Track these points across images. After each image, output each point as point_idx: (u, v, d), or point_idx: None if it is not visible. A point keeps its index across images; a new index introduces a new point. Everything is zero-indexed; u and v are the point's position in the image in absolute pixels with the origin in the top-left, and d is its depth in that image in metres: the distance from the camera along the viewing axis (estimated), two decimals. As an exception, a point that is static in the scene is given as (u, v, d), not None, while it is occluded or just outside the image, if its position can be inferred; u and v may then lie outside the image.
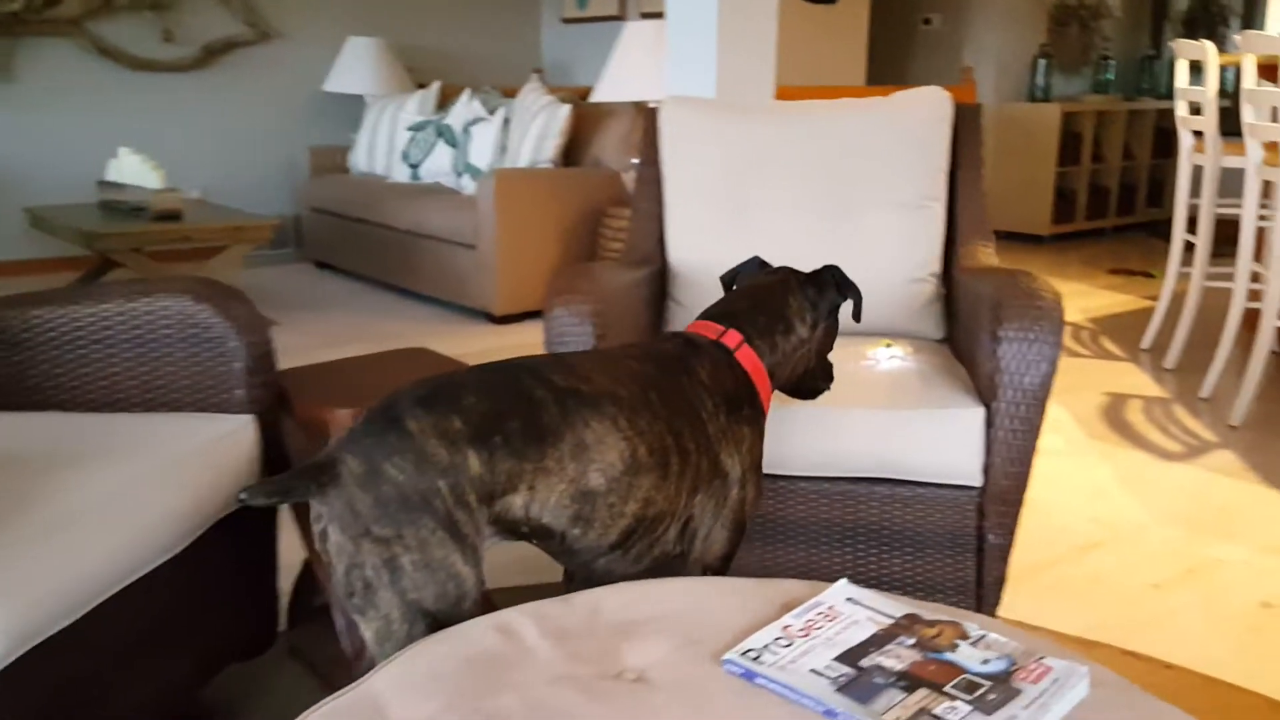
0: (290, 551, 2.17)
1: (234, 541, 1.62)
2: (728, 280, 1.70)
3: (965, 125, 2.29)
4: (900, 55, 7.39)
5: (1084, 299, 5.19)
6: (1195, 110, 3.99)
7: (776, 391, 1.60)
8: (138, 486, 1.40)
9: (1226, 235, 4.18)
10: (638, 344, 1.48)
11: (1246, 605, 2.13)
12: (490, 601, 1.24)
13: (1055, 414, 3.37)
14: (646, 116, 2.33)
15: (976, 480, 1.77)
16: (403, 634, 1.16)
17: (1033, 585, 2.23)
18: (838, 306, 1.63)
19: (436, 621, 1.16)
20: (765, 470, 1.77)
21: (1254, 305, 3.55)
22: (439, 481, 1.15)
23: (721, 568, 1.49)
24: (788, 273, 1.62)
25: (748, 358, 1.49)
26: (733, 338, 1.49)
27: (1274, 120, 3.12)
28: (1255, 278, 3.70)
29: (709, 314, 1.55)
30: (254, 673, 1.80)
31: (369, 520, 1.13)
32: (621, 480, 1.29)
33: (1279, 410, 3.41)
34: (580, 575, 1.42)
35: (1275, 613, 2.10)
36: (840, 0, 6.08)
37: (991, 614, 1.84)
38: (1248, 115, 3.38)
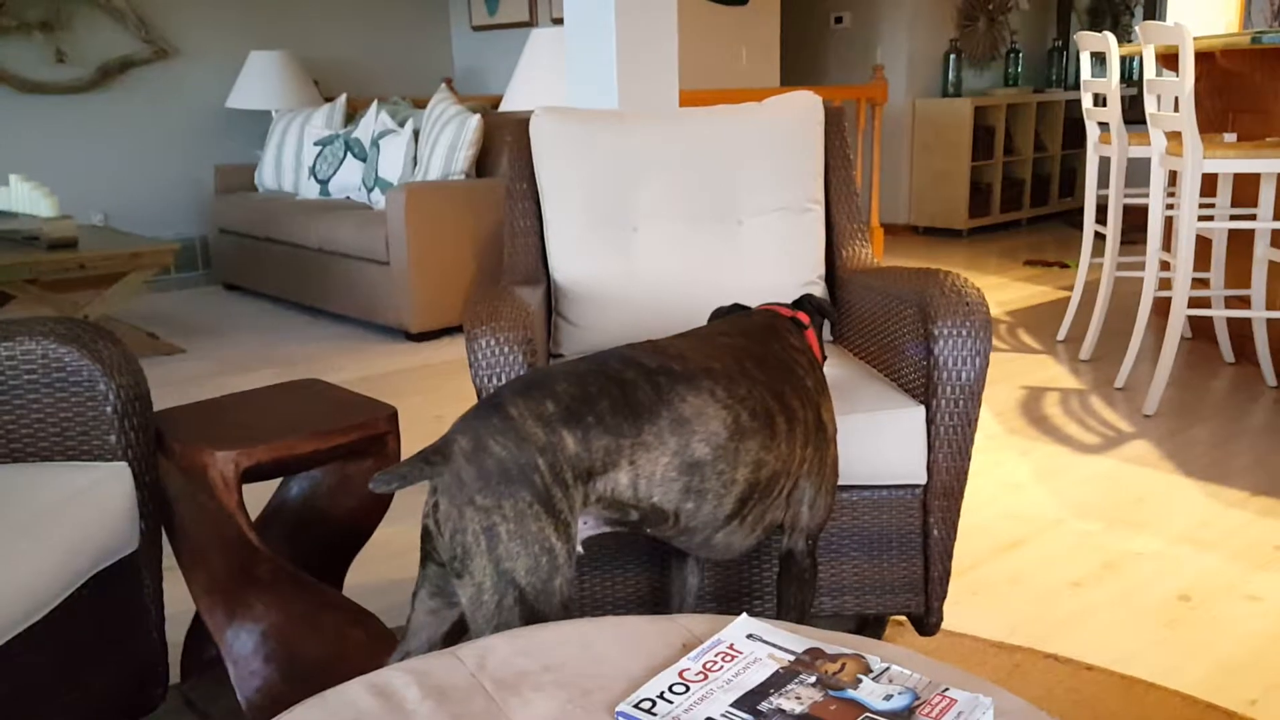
0: (180, 602, 2.07)
1: (113, 595, 1.52)
2: (715, 316, 1.78)
3: (833, 127, 2.28)
4: (813, 54, 7.43)
5: (1001, 292, 5.24)
6: (1100, 101, 4.04)
7: None
8: (3, 541, 1.30)
9: (1140, 224, 4.24)
10: (724, 321, 1.60)
11: (1164, 599, 2.14)
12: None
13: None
14: (515, 129, 2.25)
15: (920, 478, 1.78)
16: (493, 604, 1.25)
17: (954, 588, 2.21)
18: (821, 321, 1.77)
19: (525, 597, 1.25)
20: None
21: (1164, 294, 3.60)
22: (538, 458, 1.26)
23: (818, 535, 1.59)
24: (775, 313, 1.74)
25: (811, 336, 1.64)
26: (803, 316, 1.65)
27: (1175, 110, 3.16)
28: (1164, 266, 3.76)
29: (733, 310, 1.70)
30: (147, 731, 1.70)
31: (473, 490, 1.24)
32: (728, 447, 1.37)
33: (1191, 397, 3.46)
34: (700, 555, 1.52)
35: (1192, 605, 2.11)
36: (751, 1, 6.08)
37: (939, 608, 1.85)
38: (1150, 105, 3.43)
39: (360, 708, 0.97)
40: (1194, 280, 3.89)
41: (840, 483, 1.78)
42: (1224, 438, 3.07)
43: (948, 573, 1.84)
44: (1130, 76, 7.44)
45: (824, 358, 1.69)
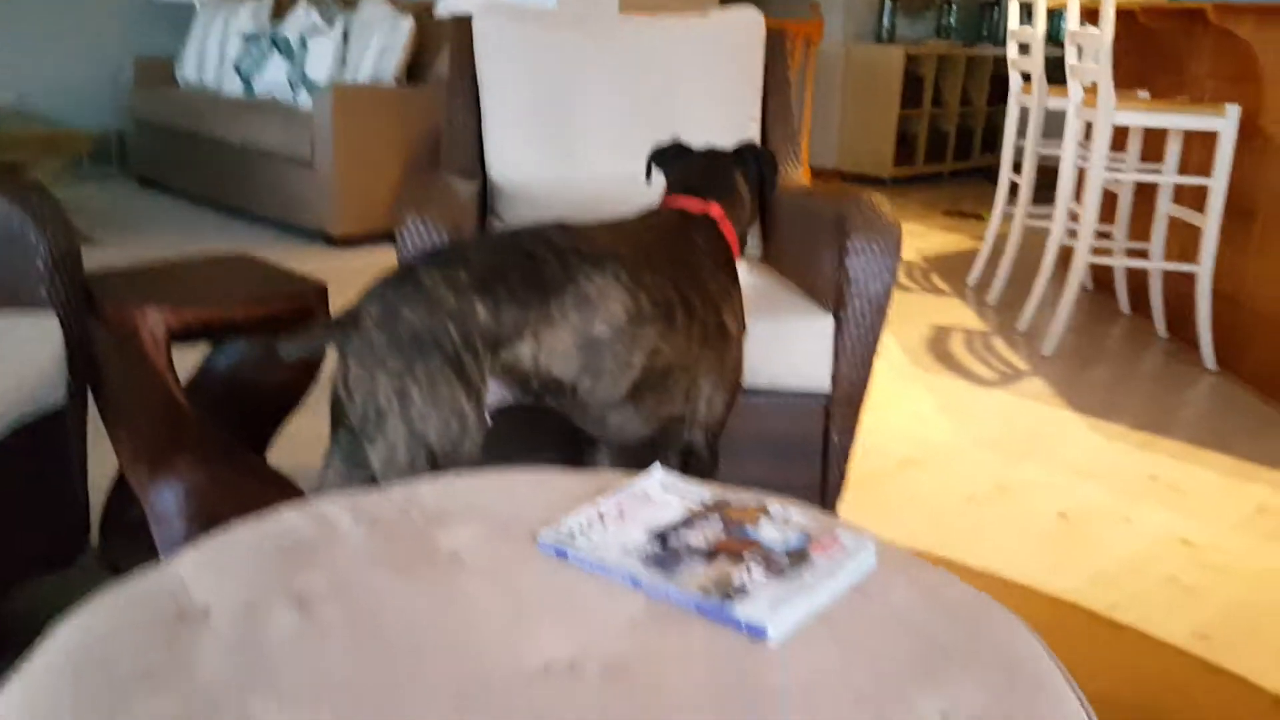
0: (100, 468, 2.08)
1: (37, 448, 1.54)
2: (655, 157, 1.82)
3: (774, 50, 2.34)
4: (752, -8, 7.43)
5: (919, 240, 5.39)
6: (1024, 51, 4.16)
7: None
8: (-78, 381, 1.31)
9: (1052, 181, 4.40)
10: (635, 217, 1.62)
11: (1047, 517, 2.29)
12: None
13: (883, 343, 3.51)
14: (457, 27, 2.27)
15: (825, 386, 1.86)
16: (405, 463, 1.29)
17: (855, 501, 2.33)
18: (761, 178, 1.80)
19: (436, 459, 1.29)
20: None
21: (1071, 244, 3.77)
22: (448, 324, 1.29)
23: (718, 431, 1.63)
24: (721, 151, 1.78)
25: (727, 228, 1.66)
26: (715, 209, 1.66)
27: (1095, 61, 3.28)
28: (1073, 218, 3.92)
29: (678, 188, 1.70)
30: (63, 585, 1.73)
31: (384, 354, 1.27)
32: (627, 330, 1.41)
33: (1088, 342, 3.65)
34: (596, 434, 1.55)
35: (1070, 522, 2.27)
36: (694, -68, 6.06)
37: (834, 511, 1.95)
38: (1070, 56, 3.55)
39: (297, 529, 1.02)
40: (1099, 233, 4.06)
41: (750, 387, 1.87)
42: (1114, 380, 3.25)
43: (844, 477, 1.95)
44: (1057, 37, 7.61)
45: (741, 250, 1.73)
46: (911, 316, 3.88)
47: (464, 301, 1.31)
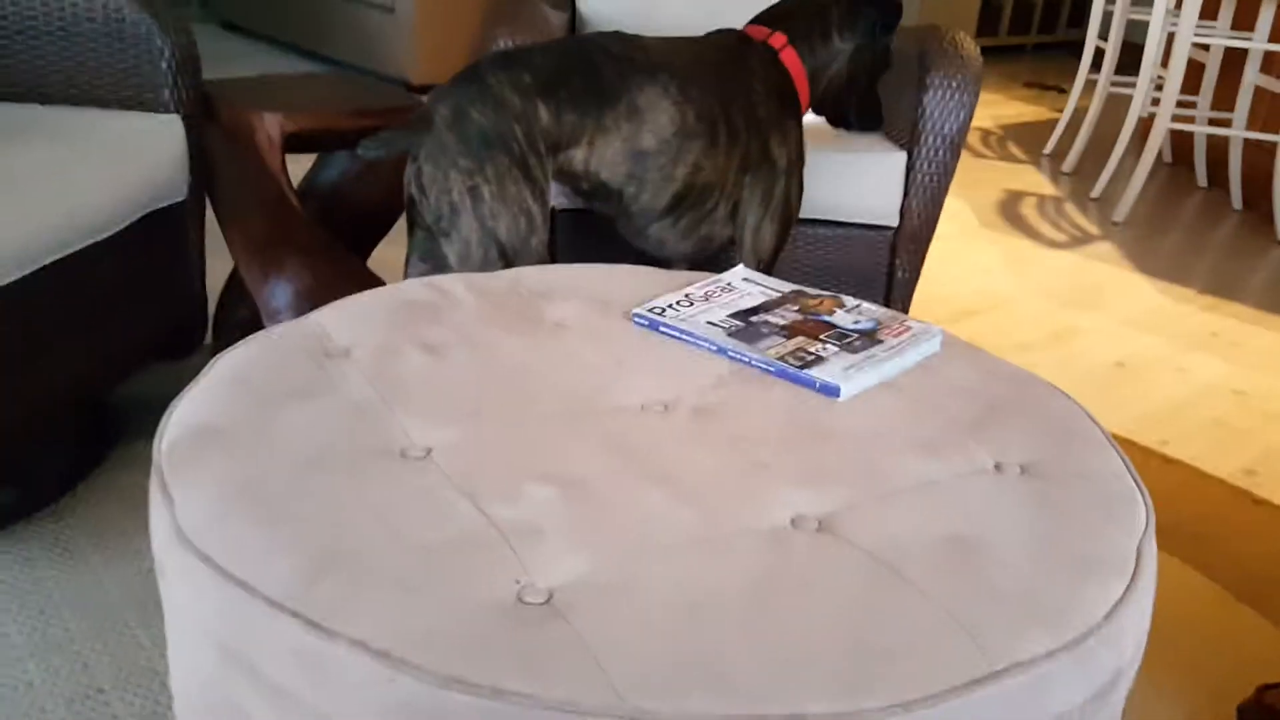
0: (214, 271, 2.23)
1: (162, 238, 1.67)
2: None
3: None
4: None
5: (996, 108, 5.31)
6: (1120, -87, 4.02)
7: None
8: (72, 163, 1.44)
9: (1137, 57, 4.29)
10: (694, 37, 1.62)
11: (1103, 364, 2.36)
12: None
13: (952, 205, 3.53)
14: None
15: (893, 220, 1.93)
16: (479, 257, 1.38)
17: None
18: (878, 27, 1.73)
19: (505, 253, 1.38)
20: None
21: (1153, 112, 3.71)
22: (514, 125, 1.36)
23: (771, 260, 1.67)
24: None
25: (791, 58, 1.64)
26: (778, 39, 1.64)
27: (1191, -78, 3.18)
28: (1158, 87, 3.85)
29: (758, 18, 1.69)
30: (177, 374, 1.89)
31: (456, 154, 1.34)
32: (671, 142, 1.46)
33: (1161, 211, 3.63)
34: (637, 245, 1.61)
35: (1126, 370, 2.33)
36: None
37: None
38: (1167, -83, 3.44)
39: (418, 295, 1.14)
40: (1182, 103, 3.99)
41: (815, 216, 1.93)
42: (1185, 246, 3.25)
43: (906, 313, 2.03)
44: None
45: (811, 89, 1.69)
46: (983, 181, 3.88)
47: (528, 104, 1.38)
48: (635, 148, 1.45)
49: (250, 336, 1.03)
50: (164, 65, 1.64)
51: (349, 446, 0.83)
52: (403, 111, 1.79)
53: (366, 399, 0.91)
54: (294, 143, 1.74)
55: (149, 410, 1.82)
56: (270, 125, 1.66)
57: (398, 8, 4.34)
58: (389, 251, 2.64)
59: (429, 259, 1.49)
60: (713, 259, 1.77)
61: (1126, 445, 1.98)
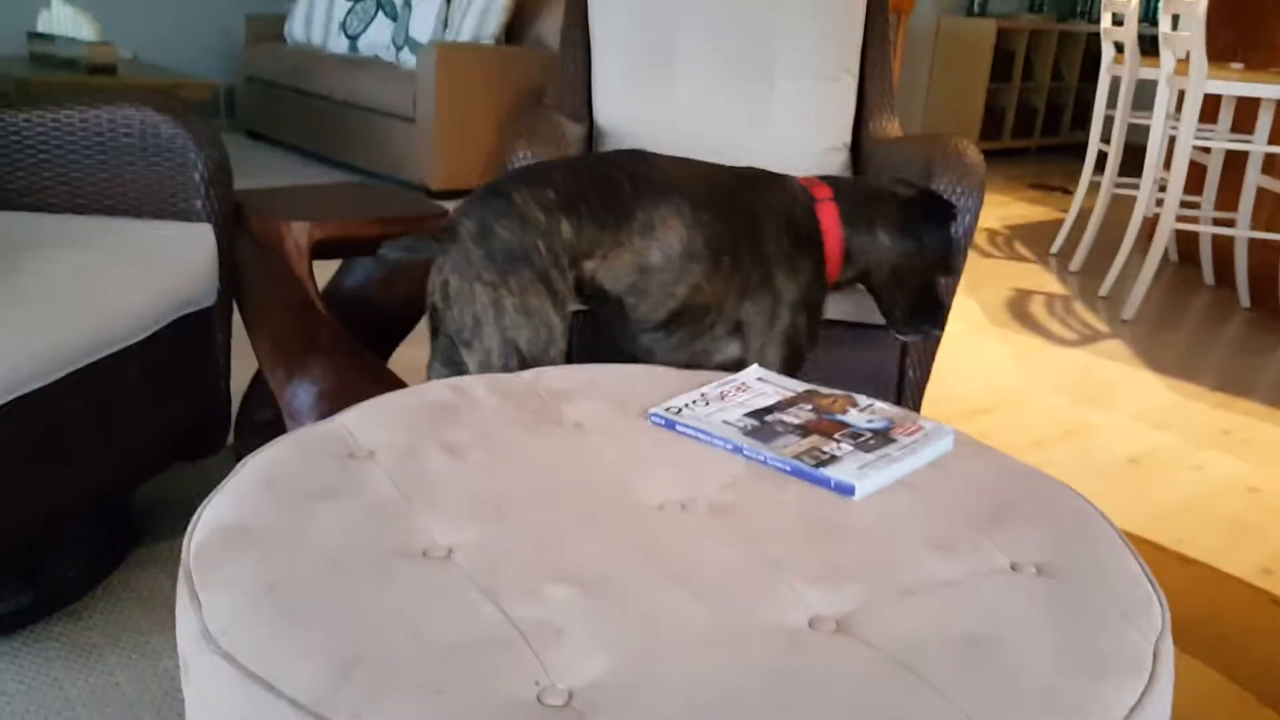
0: (238, 372, 2.27)
1: (189, 342, 1.72)
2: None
3: (876, 2, 2.42)
4: (844, -39, 7.43)
5: (1002, 209, 5.40)
6: (1118, 21, 4.16)
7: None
8: (104, 270, 1.49)
9: (1139, 157, 4.39)
10: (720, 164, 1.66)
11: (1116, 461, 2.36)
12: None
13: (962, 303, 3.58)
14: None
15: None
16: (499, 366, 1.43)
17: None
18: (935, 241, 1.68)
19: (525, 363, 1.42)
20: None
21: (1157, 212, 3.78)
22: (538, 240, 1.42)
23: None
24: (906, 181, 1.74)
25: (828, 214, 1.64)
26: (822, 190, 1.65)
27: (1188, 31, 3.29)
28: (1161, 187, 3.93)
29: (822, 176, 1.72)
30: (200, 475, 1.91)
31: (480, 268, 1.40)
32: (676, 262, 1.51)
33: (1169, 309, 3.67)
34: (627, 350, 1.64)
35: (1140, 467, 2.34)
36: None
37: None
38: (1164, 25, 3.56)
39: (439, 396, 1.17)
40: (1185, 202, 4.06)
41: (829, 317, 1.96)
42: (1194, 344, 3.28)
43: (917, 410, 2.05)
44: (1152, 15, 7.48)
45: (845, 251, 1.64)
46: (992, 280, 3.93)
47: (552, 219, 1.43)
48: (642, 263, 1.50)
49: (277, 439, 1.06)
50: (197, 177, 1.70)
51: (373, 547, 0.85)
52: (424, 219, 1.85)
53: (390, 499, 0.94)
54: (321, 249, 1.79)
55: (169, 510, 1.84)
56: (298, 233, 1.72)
57: (418, 117, 4.48)
58: (409, 352, 2.68)
59: (450, 365, 1.53)
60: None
61: (1142, 543, 1.98)
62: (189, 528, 0.91)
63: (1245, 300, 3.73)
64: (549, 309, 1.43)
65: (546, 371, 1.27)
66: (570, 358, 1.92)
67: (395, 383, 1.88)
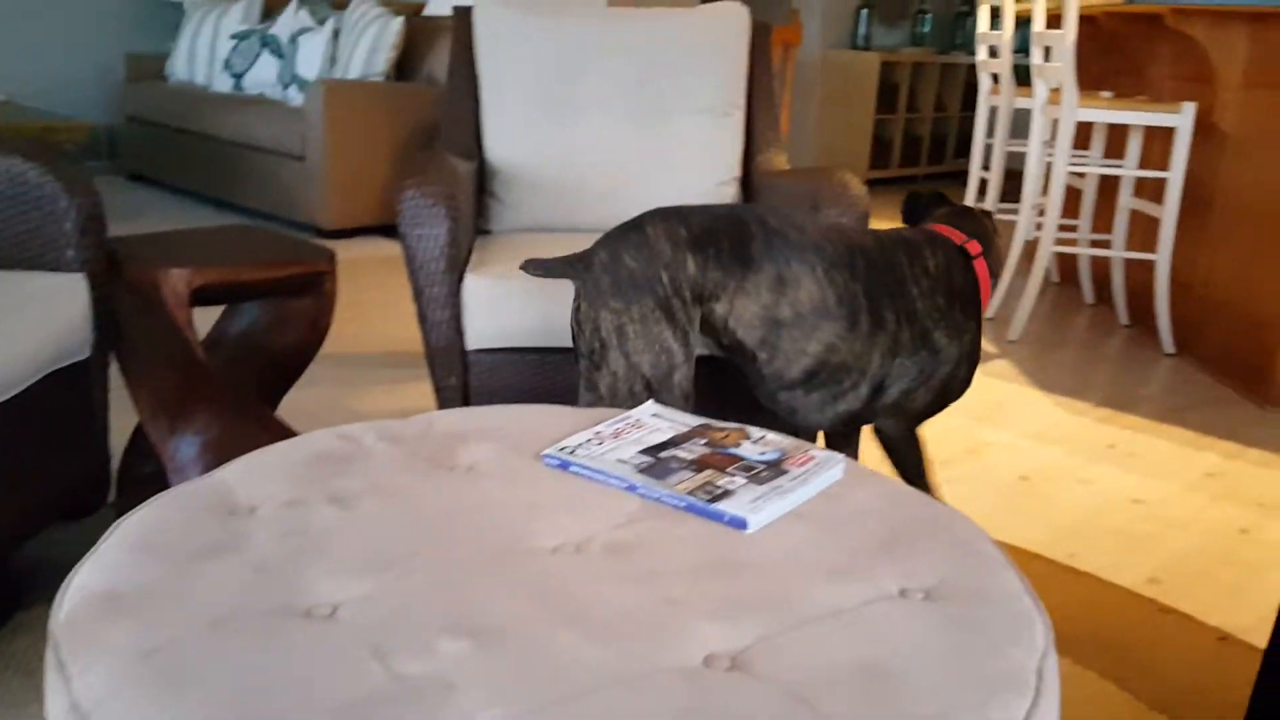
0: (117, 429, 2.18)
1: (64, 397, 1.65)
2: (912, 201, 1.91)
3: (759, 41, 2.47)
4: (732, -3, 7.58)
5: (893, 234, 5.54)
6: (994, 54, 4.32)
7: None
8: (-31, 327, 1.42)
9: (1019, 182, 4.55)
10: (872, 229, 1.67)
11: (1010, 478, 2.43)
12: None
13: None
14: (459, 17, 2.39)
15: None
16: (625, 390, 1.49)
17: (828, 464, 2.46)
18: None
19: (650, 386, 1.48)
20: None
21: (1037, 236, 3.92)
22: (662, 271, 1.48)
23: (914, 422, 1.69)
24: (986, 216, 1.80)
25: (982, 268, 1.70)
26: (975, 247, 1.70)
27: (1059, 62, 3.43)
28: (1040, 212, 4.07)
29: (946, 220, 1.74)
30: (83, 535, 1.83)
31: (608, 295, 1.47)
32: (807, 318, 1.54)
33: (1053, 329, 3.80)
34: (769, 408, 1.67)
35: (1032, 484, 2.40)
36: (675, -63, 6.20)
37: None
38: (1036, 57, 3.71)
39: (326, 445, 1.14)
40: (1063, 226, 4.22)
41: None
42: (1078, 361, 3.40)
43: (815, 442, 2.07)
44: (1024, 47, 7.81)
45: (992, 290, 1.72)
46: (885, 306, 4.02)
47: (678, 254, 1.49)
48: (772, 315, 1.53)
49: (153, 498, 1.02)
50: (68, 226, 1.64)
51: (254, 608, 0.82)
52: (310, 262, 1.81)
53: (273, 556, 0.90)
54: (202, 296, 1.74)
55: (48, 572, 1.75)
56: (176, 280, 1.66)
57: (307, 156, 4.41)
58: (301, 395, 2.62)
59: (590, 387, 1.56)
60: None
61: (1036, 559, 2.03)
62: (57, 596, 0.87)
63: (1124, 318, 3.89)
64: (669, 336, 1.49)
65: (440, 415, 1.25)
66: (703, 397, 1.89)
67: (283, 430, 1.83)
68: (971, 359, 1.70)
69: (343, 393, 2.70)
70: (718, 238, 1.52)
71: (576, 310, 1.51)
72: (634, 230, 1.51)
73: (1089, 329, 3.82)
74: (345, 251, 4.34)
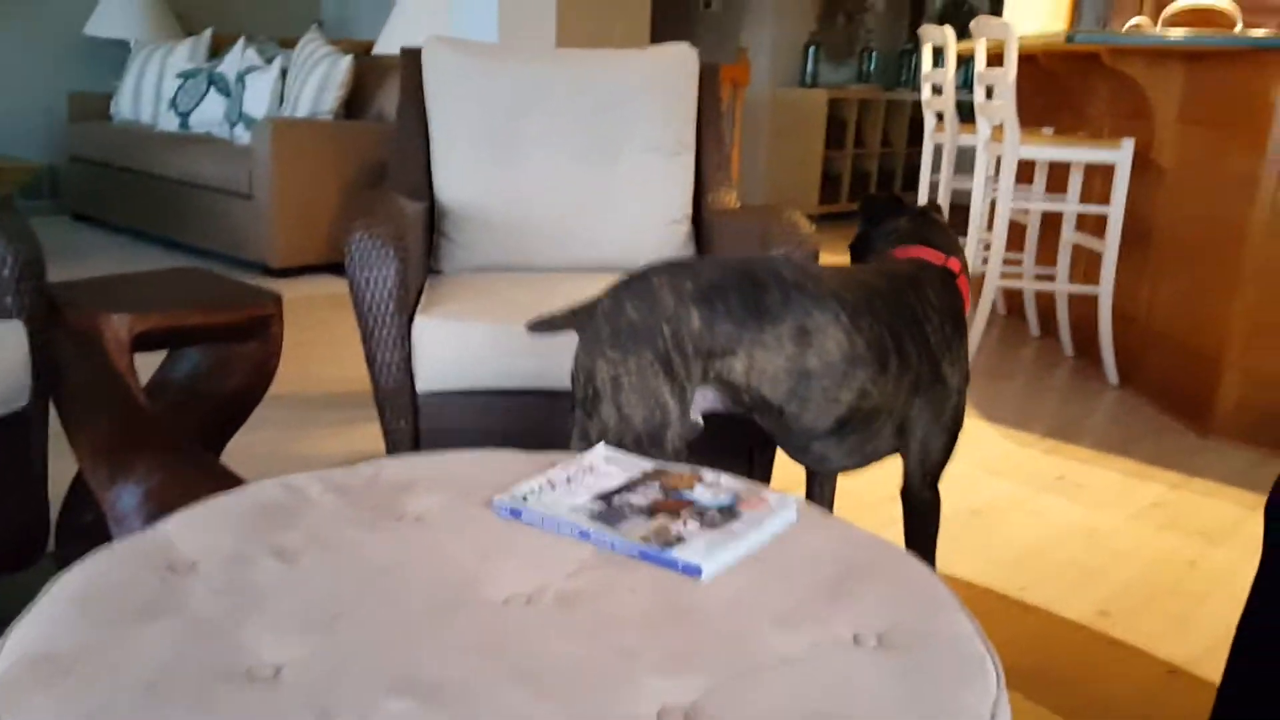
0: (56, 476, 2.13)
1: (2, 447, 1.60)
2: (868, 207, 1.86)
3: (707, 82, 2.50)
4: (682, 34, 7.66)
5: (842, 268, 5.60)
6: (938, 92, 4.40)
7: None
8: (-100, 378, 1.38)
9: (965, 215, 4.63)
10: (872, 266, 1.66)
11: (960, 512, 2.44)
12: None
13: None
14: (407, 58, 2.39)
15: None
16: (614, 441, 1.44)
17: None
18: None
19: (641, 441, 1.44)
20: (553, 387, 1.92)
21: (983, 270, 3.98)
22: (663, 324, 1.44)
23: (938, 471, 1.66)
24: (933, 208, 1.79)
25: (963, 283, 1.70)
26: (955, 264, 1.69)
27: (1001, 100, 3.50)
28: (985, 246, 4.14)
29: (910, 239, 1.71)
30: (19, 587, 1.77)
31: (606, 344, 1.44)
32: (838, 367, 1.50)
33: (999, 361, 3.85)
34: (797, 460, 1.63)
35: (982, 517, 2.42)
36: (624, -24, 6.26)
37: None
38: (979, 95, 3.79)
39: (270, 496, 1.12)
40: (1008, 260, 4.29)
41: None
42: (1025, 393, 3.44)
43: (769, 475, 2.07)
44: (967, 83, 7.97)
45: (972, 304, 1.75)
46: (836, 340, 4.05)
47: (681, 308, 1.45)
48: (799, 368, 1.49)
49: (92, 553, 0.99)
50: (5, 272, 1.60)
51: (194, 670, 0.80)
52: (251, 305, 1.79)
53: (214, 615, 0.88)
54: (144, 341, 1.71)
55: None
56: (118, 326, 1.63)
57: (255, 194, 4.37)
58: (248, 438, 2.58)
59: (586, 439, 1.52)
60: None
61: (987, 594, 2.04)
62: (-13, 661, 0.84)
63: (1069, 349, 3.95)
64: (665, 391, 1.45)
65: (388, 462, 1.23)
66: (699, 449, 1.86)
67: (228, 477, 1.79)
68: (966, 382, 1.69)
69: (289, 435, 2.66)
70: (726, 291, 1.48)
71: (576, 358, 1.50)
72: (639, 280, 1.49)
73: (1035, 361, 3.88)
74: (292, 290, 4.30)
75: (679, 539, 1.04)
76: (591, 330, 1.47)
